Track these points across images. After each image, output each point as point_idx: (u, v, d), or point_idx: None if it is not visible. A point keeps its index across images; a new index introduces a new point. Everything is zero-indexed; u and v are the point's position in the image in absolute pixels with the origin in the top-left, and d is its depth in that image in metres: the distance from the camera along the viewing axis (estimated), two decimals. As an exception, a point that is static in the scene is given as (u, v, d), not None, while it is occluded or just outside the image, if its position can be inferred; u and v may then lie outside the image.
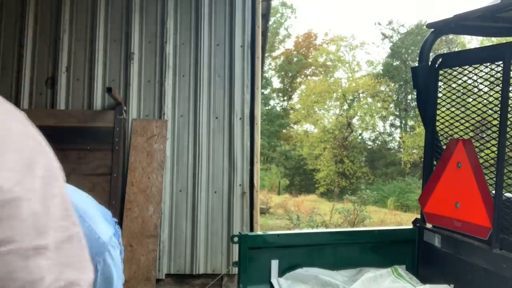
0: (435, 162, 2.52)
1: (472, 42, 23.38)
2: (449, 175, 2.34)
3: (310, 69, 31.96)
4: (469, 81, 2.37)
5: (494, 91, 2.22)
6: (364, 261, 2.50)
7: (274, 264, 2.30)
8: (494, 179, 2.08)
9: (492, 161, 2.16)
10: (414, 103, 25.84)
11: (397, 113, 29.26)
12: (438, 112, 2.52)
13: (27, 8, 4.81)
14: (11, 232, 0.53)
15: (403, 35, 30.41)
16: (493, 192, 2.09)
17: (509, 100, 2.04)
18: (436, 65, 2.51)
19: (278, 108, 31.82)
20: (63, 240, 0.59)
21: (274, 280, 2.27)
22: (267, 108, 29.89)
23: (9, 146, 0.56)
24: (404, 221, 12.49)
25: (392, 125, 29.91)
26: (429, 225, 2.52)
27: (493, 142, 2.15)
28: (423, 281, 2.44)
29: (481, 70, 2.27)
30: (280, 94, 32.65)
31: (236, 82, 4.79)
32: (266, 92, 30.59)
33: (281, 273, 2.34)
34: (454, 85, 2.43)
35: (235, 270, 4.41)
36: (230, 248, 4.58)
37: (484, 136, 2.31)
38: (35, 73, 4.80)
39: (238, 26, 4.85)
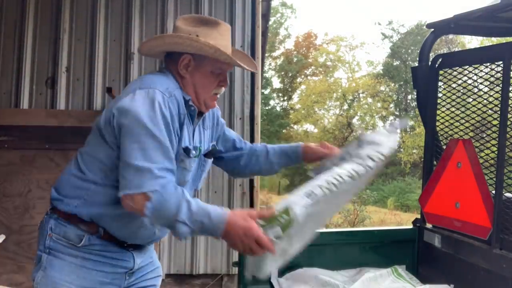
0: (435, 162, 2.51)
1: (472, 42, 23.38)
2: (449, 175, 2.34)
3: (310, 69, 31.94)
4: (469, 81, 2.37)
5: (494, 91, 2.22)
6: (364, 261, 2.50)
7: None
8: (494, 179, 2.08)
9: (492, 161, 2.16)
10: (414, 103, 25.84)
11: (397, 113, 29.25)
12: (438, 112, 2.52)
13: (27, 8, 4.81)
14: None
15: (403, 35, 30.40)
16: (493, 192, 2.09)
17: (509, 100, 2.04)
18: (436, 65, 2.51)
19: (278, 108, 31.81)
20: None
21: (274, 280, 2.26)
22: (267, 108, 29.87)
23: None
24: (404, 221, 12.49)
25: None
26: (429, 225, 2.52)
27: (493, 142, 2.15)
28: (423, 281, 2.44)
29: (481, 70, 2.27)
30: (280, 94, 32.64)
31: (236, 82, 4.79)
32: (266, 92, 30.58)
33: (281, 273, 2.34)
34: (454, 85, 2.43)
35: (235, 270, 4.41)
36: (230, 248, 4.58)
37: (484, 136, 2.31)
38: (35, 73, 4.79)
39: (238, 26, 4.84)
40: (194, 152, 1.62)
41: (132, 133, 1.45)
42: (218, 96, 1.71)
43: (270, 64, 31.45)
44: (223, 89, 1.69)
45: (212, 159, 1.85)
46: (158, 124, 1.46)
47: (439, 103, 2.51)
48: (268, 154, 1.93)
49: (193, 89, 1.63)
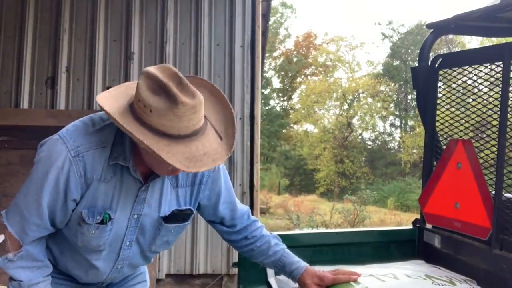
0: (435, 162, 2.51)
1: (472, 42, 23.40)
2: (449, 175, 2.34)
3: (310, 69, 31.95)
4: (469, 81, 2.37)
5: (494, 91, 2.22)
6: (364, 262, 2.49)
7: None
8: (494, 179, 2.08)
9: (492, 162, 2.16)
10: (414, 103, 25.86)
11: (397, 113, 29.26)
12: (438, 112, 2.51)
13: (27, 8, 4.81)
14: None
15: (403, 35, 30.41)
16: (493, 192, 2.08)
17: (509, 100, 2.03)
18: (436, 65, 2.50)
19: (278, 108, 31.82)
20: None
21: (271, 279, 2.26)
22: (267, 108, 29.88)
23: None
24: (404, 221, 12.50)
25: (392, 125, 29.93)
26: (429, 226, 2.52)
27: (493, 142, 2.15)
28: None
29: (481, 71, 2.27)
30: (280, 94, 32.65)
31: (236, 82, 4.79)
32: (266, 92, 30.59)
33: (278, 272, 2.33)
34: (454, 85, 2.43)
35: (235, 270, 4.41)
36: (230, 248, 4.58)
37: (484, 136, 2.31)
38: (35, 73, 4.79)
39: (238, 26, 4.84)
40: (91, 219, 1.44)
41: (31, 173, 1.45)
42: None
43: (270, 64, 31.48)
44: None
45: (178, 224, 1.61)
46: (47, 180, 1.40)
47: (439, 103, 2.51)
48: (267, 255, 1.76)
49: (147, 163, 1.44)
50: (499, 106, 2.08)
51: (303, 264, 1.75)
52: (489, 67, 2.23)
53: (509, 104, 2.03)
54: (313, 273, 1.71)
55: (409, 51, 29.08)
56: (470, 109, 2.34)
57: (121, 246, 1.55)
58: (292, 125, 29.97)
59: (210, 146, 1.35)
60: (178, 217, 1.59)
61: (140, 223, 1.54)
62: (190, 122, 1.30)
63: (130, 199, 1.49)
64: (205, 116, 1.38)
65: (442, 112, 2.49)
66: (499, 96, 2.08)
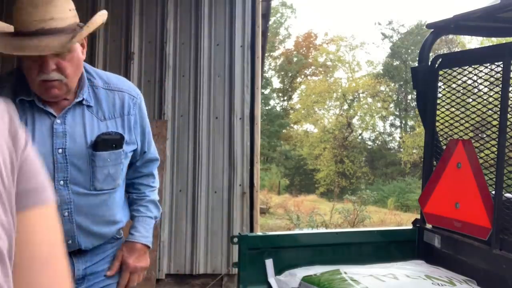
0: (435, 163, 2.51)
1: (472, 42, 23.38)
2: (449, 175, 2.34)
3: (310, 69, 31.94)
4: (469, 81, 2.37)
5: (494, 91, 2.22)
6: (364, 262, 2.50)
7: (269, 263, 2.29)
8: (494, 179, 2.08)
9: (492, 162, 2.16)
10: (414, 103, 25.84)
11: (397, 113, 29.26)
12: (438, 112, 2.51)
13: (27, 8, 4.81)
14: None
15: (403, 35, 30.40)
16: (493, 192, 2.08)
17: (509, 100, 2.04)
18: (436, 65, 2.50)
19: (278, 108, 31.81)
20: None
21: (271, 279, 2.26)
22: (267, 108, 29.88)
23: None
24: (404, 221, 12.48)
25: (392, 125, 29.91)
26: (429, 226, 2.52)
27: (493, 142, 2.15)
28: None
29: (481, 71, 2.27)
30: (280, 94, 32.64)
31: (236, 82, 4.78)
32: (266, 92, 30.58)
33: (279, 272, 2.33)
34: (454, 86, 2.43)
35: (235, 270, 4.41)
36: (230, 248, 4.58)
37: (484, 136, 2.31)
38: (35, 73, 4.80)
39: (238, 26, 4.84)
40: None
41: None
42: (53, 82, 1.47)
43: (270, 64, 31.47)
44: (52, 75, 1.45)
45: (112, 151, 1.59)
46: None
47: (439, 104, 2.51)
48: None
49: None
50: (499, 106, 2.08)
51: (137, 236, 1.72)
52: (489, 67, 2.23)
53: (509, 104, 2.03)
54: (130, 248, 1.71)
55: (409, 51, 29.07)
56: (470, 109, 2.34)
57: (55, 186, 1.50)
58: (292, 125, 29.96)
59: (50, 42, 1.39)
60: (107, 142, 1.59)
61: (69, 159, 1.53)
62: (31, 17, 1.39)
63: (46, 133, 1.52)
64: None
65: (442, 112, 2.49)
66: (499, 96, 2.08)
